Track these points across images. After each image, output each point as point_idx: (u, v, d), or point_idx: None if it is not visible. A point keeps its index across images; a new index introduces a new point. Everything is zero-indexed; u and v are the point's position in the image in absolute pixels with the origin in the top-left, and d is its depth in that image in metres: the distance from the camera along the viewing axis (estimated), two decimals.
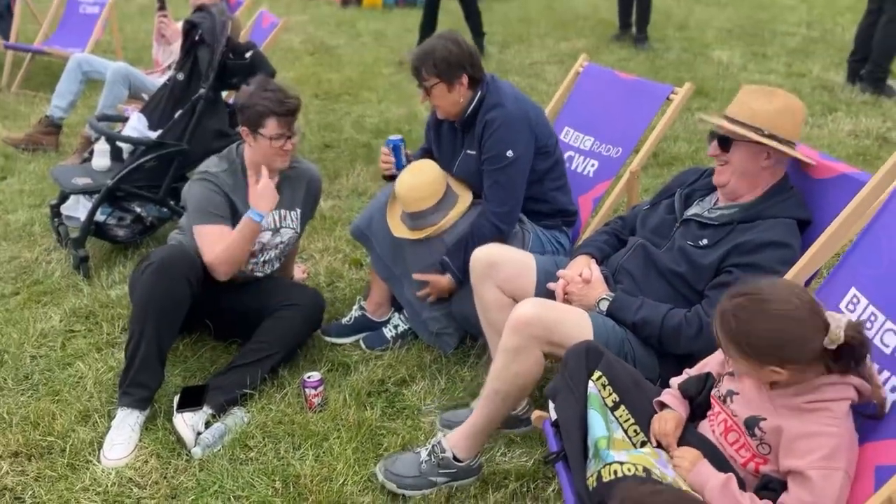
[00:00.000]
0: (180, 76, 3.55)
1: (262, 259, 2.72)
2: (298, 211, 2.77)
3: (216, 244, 2.52)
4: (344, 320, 2.96)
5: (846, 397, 1.46)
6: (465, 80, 2.63)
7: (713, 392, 1.67)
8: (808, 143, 4.02)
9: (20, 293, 3.12)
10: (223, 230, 2.56)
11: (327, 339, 2.90)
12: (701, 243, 2.13)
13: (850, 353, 1.45)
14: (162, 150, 3.32)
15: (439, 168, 2.71)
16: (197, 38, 3.47)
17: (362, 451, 2.30)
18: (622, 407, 1.69)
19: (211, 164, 2.64)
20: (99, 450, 2.29)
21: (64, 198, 3.44)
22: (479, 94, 2.67)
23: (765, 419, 1.48)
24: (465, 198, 2.71)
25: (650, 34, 7.68)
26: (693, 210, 2.25)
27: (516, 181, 2.64)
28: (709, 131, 2.19)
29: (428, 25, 7.34)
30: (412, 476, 2.15)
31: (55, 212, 3.46)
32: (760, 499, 1.45)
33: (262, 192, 2.54)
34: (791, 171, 2.22)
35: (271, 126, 2.54)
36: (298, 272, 3.22)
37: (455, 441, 2.15)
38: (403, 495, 2.14)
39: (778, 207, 2.10)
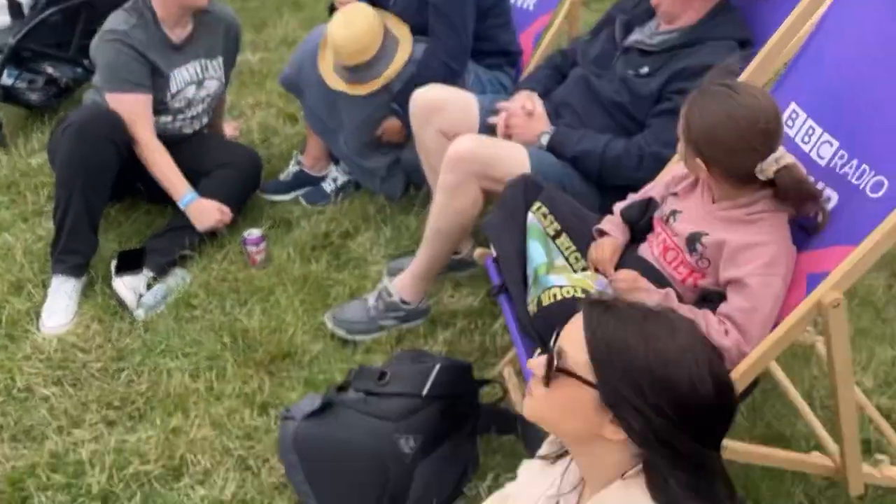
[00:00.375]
0: None
1: (189, 115, 2.58)
2: (220, 58, 2.59)
3: (142, 123, 2.38)
4: (282, 177, 2.86)
5: (782, 209, 1.47)
6: None
7: (656, 214, 1.67)
8: None
9: None
10: (141, 100, 2.39)
11: (266, 196, 2.81)
12: (642, 71, 2.06)
13: (784, 198, 1.45)
14: (64, 3, 3.04)
15: (372, 9, 2.52)
16: None
17: (310, 303, 2.30)
18: (563, 235, 1.69)
19: (119, 21, 2.41)
20: (37, 319, 2.23)
21: None
22: None
23: (707, 234, 1.49)
24: (405, 40, 2.54)
25: None
26: (634, 37, 2.17)
27: (465, 13, 2.44)
28: None
29: None
30: (362, 322, 2.16)
31: None
32: (700, 309, 1.48)
33: (204, 212, 2.43)
34: None
35: None
36: (230, 129, 3.06)
37: (402, 285, 2.15)
38: (354, 341, 2.16)
39: (718, 30, 2.03)
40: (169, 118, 2.52)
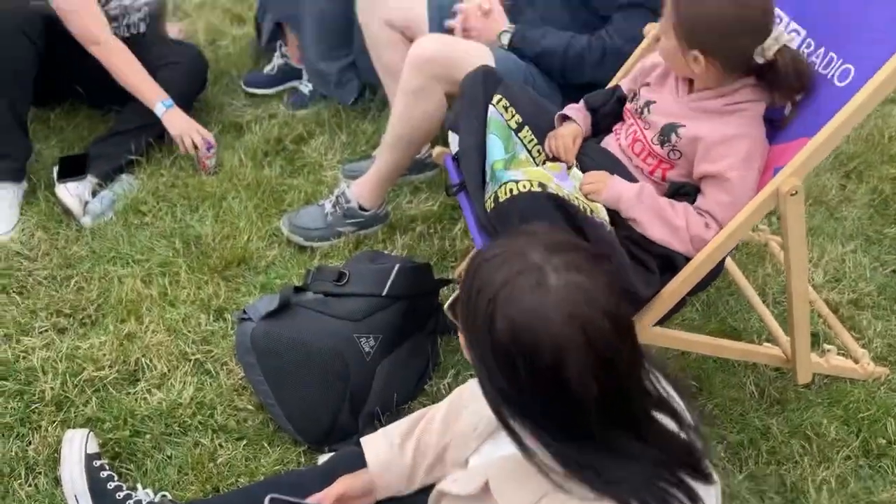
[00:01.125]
0: None
1: (125, 23, 2.42)
2: None
3: (86, 18, 2.22)
4: (266, 69, 2.75)
5: (761, 99, 1.45)
6: None
7: (627, 106, 1.64)
8: None
9: None
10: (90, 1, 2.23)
11: (250, 90, 2.71)
12: None
13: (781, 83, 1.41)
14: None
15: None
16: None
17: (264, 208, 2.24)
18: (526, 128, 1.65)
19: None
20: None
21: None
22: None
23: (683, 126, 1.47)
24: None
25: None
26: None
27: None
28: None
29: None
30: (319, 228, 2.11)
31: None
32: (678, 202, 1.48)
33: (184, 124, 2.31)
34: None
35: None
36: (174, 32, 2.89)
37: (360, 191, 2.10)
38: (311, 247, 2.12)
39: None
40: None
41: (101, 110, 2.58)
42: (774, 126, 1.50)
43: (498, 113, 1.60)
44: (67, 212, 2.18)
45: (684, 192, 1.50)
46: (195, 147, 2.31)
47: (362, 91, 2.66)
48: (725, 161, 1.42)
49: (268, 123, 2.59)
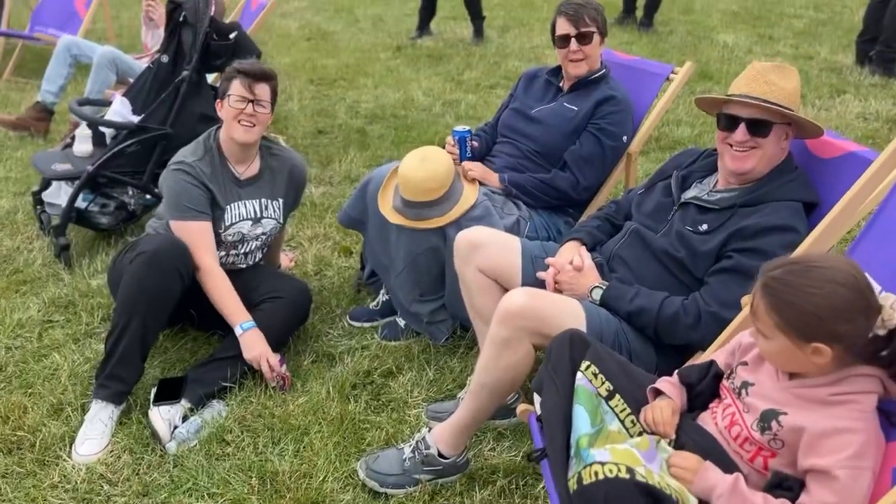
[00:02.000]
0: (164, 59, 3.44)
1: (242, 251, 2.62)
2: (281, 201, 2.66)
3: (203, 249, 2.43)
4: (371, 305, 2.87)
5: (874, 390, 1.35)
6: (605, 40, 2.81)
7: (724, 383, 1.56)
8: None
9: None
10: (203, 228, 2.46)
11: (355, 324, 2.81)
12: (701, 228, 2.01)
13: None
14: (144, 135, 3.21)
15: (449, 156, 2.58)
16: (181, 18, 3.35)
17: (344, 446, 2.20)
18: (617, 396, 1.58)
19: (187, 153, 2.52)
20: (71, 445, 2.19)
21: (46, 185, 3.34)
22: (603, 66, 2.83)
23: (785, 413, 1.37)
24: (472, 188, 2.57)
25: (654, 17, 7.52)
26: (691, 193, 2.14)
27: (607, 165, 2.76)
28: (724, 115, 2.03)
29: (427, 9, 7.21)
30: (395, 474, 2.05)
31: (37, 199, 3.36)
32: (776, 498, 1.34)
33: (257, 344, 2.41)
34: (795, 150, 2.11)
35: (235, 87, 2.43)
36: (286, 261, 3.11)
37: (440, 436, 2.05)
38: (385, 493, 2.04)
39: (782, 190, 1.99)
40: (222, 252, 2.56)
41: (207, 333, 2.71)
42: (891, 422, 1.37)
43: (586, 380, 1.55)
44: (155, 435, 2.22)
45: (787, 486, 1.36)
46: (270, 368, 2.37)
47: (454, 330, 2.70)
48: (833, 457, 1.29)
49: (360, 355, 2.63)
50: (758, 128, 1.95)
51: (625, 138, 2.77)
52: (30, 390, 2.42)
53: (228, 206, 2.51)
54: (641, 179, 3.06)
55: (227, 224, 2.52)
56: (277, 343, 2.50)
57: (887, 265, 1.56)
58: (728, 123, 2.00)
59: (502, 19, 8.20)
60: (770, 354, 1.40)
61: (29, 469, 2.11)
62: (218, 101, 2.49)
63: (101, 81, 4.23)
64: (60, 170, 3.17)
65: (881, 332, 1.33)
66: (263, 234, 2.64)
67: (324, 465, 2.12)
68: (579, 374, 1.56)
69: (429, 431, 2.07)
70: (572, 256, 2.16)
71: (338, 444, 2.21)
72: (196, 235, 2.45)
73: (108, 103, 3.60)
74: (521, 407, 1.78)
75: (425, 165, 2.46)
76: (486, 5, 7.24)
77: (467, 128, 2.83)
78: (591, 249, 2.25)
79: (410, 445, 2.07)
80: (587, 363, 1.58)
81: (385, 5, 9.20)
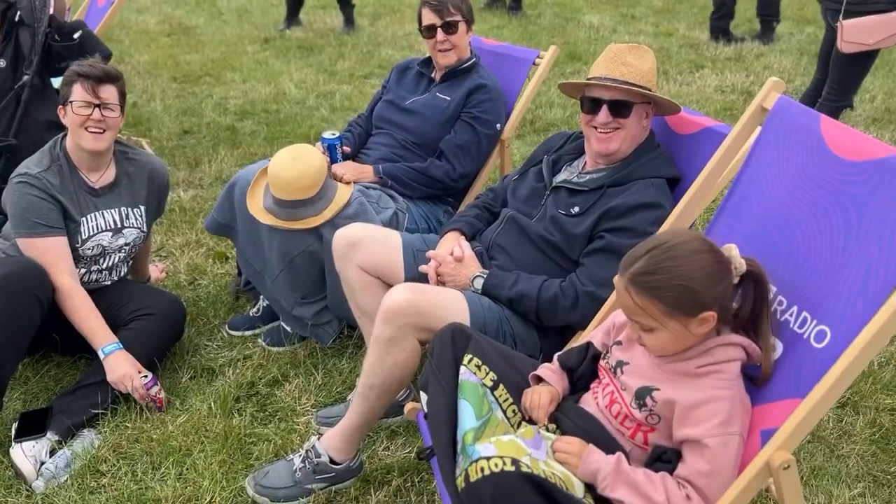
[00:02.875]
0: (1, 63, 3.15)
1: (105, 265, 2.44)
2: (143, 208, 2.49)
3: (59, 267, 2.25)
4: (251, 311, 2.74)
5: (737, 358, 1.39)
6: (472, 28, 2.81)
7: (601, 363, 1.58)
8: (679, 100, 4.07)
9: None
10: (57, 244, 2.27)
11: (235, 333, 2.67)
12: (573, 211, 2.04)
13: (753, 294, 1.41)
14: None
15: (321, 153, 2.49)
16: (16, 18, 3.08)
17: (231, 464, 2.10)
18: (501, 386, 1.58)
19: (31, 164, 2.32)
20: None
21: None
22: (472, 55, 2.82)
23: (657, 389, 1.40)
24: (344, 190, 2.49)
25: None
26: (562, 176, 2.17)
27: (482, 152, 2.76)
28: (587, 98, 2.05)
29: None
30: (286, 486, 1.97)
31: None
32: (655, 472, 1.37)
33: (121, 366, 2.24)
34: (656, 128, 2.18)
35: (77, 91, 2.25)
36: (156, 272, 2.93)
37: (330, 442, 1.98)
38: None
39: (647, 167, 2.04)
40: (82, 269, 2.38)
41: (72, 358, 2.52)
42: (754, 382, 1.43)
43: (470, 373, 1.54)
44: (19, 475, 2.04)
45: (666, 458, 1.40)
46: (135, 389, 2.23)
47: (341, 330, 2.63)
48: (703, 426, 1.33)
49: (242, 365, 2.52)
50: (619, 109, 2.00)
51: (498, 126, 2.78)
52: None
53: (84, 219, 2.33)
54: (518, 163, 3.10)
55: (84, 237, 2.34)
56: (151, 363, 2.35)
57: (745, 237, 1.62)
58: (591, 107, 2.03)
59: (373, 6, 8.09)
60: (658, 345, 1.40)
61: None
62: (60, 107, 2.29)
63: None
64: None
65: (735, 282, 1.39)
66: (126, 244, 2.47)
67: (209, 487, 2.01)
68: (462, 368, 1.55)
69: (318, 439, 2.01)
70: (452, 247, 2.15)
71: (223, 462, 2.10)
72: (49, 253, 2.26)
73: None
74: (408, 405, 1.76)
75: (298, 164, 2.36)
76: None
77: (336, 134, 2.77)
78: (470, 239, 2.24)
79: (300, 455, 2.00)
80: (469, 356, 1.56)
81: None
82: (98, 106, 2.26)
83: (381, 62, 6.02)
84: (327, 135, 2.75)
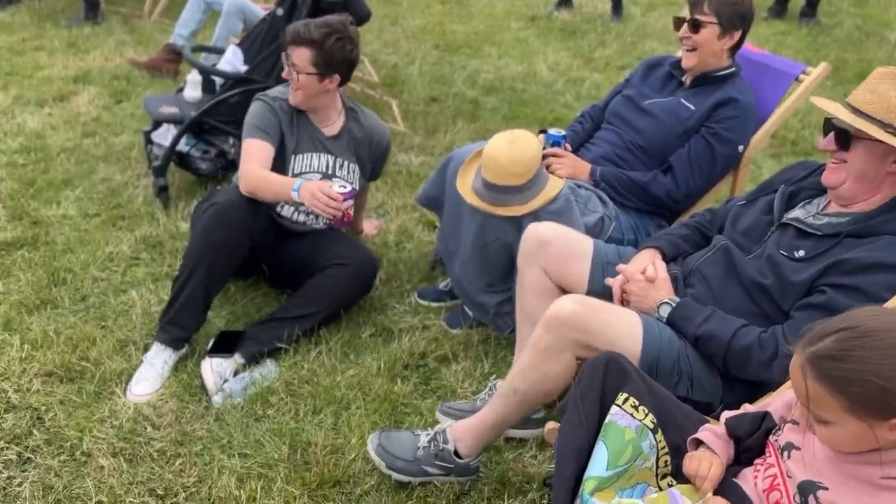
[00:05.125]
0: (279, 11, 3.44)
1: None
2: (355, 166, 2.60)
3: (253, 160, 2.41)
4: (441, 285, 2.79)
5: None
6: (736, 36, 2.48)
7: (772, 438, 1.36)
8: None
9: (101, 215, 3.17)
10: (263, 146, 2.45)
11: (422, 302, 2.74)
12: (797, 255, 1.77)
13: None
14: (248, 86, 3.24)
15: (538, 141, 2.42)
16: None
17: (381, 428, 2.14)
18: (661, 432, 1.42)
19: (276, 90, 2.56)
20: (127, 382, 2.26)
21: (157, 125, 3.46)
22: (733, 64, 2.54)
23: (825, 489, 1.17)
24: (555, 183, 2.39)
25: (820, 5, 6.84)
26: (794, 213, 1.88)
27: (714, 176, 2.52)
28: (825, 119, 1.79)
29: None
30: (405, 459, 1.94)
31: (148, 138, 3.49)
32: None
33: (314, 192, 2.29)
34: None
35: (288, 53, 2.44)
36: (370, 227, 3.05)
37: (460, 434, 1.93)
38: (411, 484, 1.96)
39: None
40: (292, 209, 2.54)
41: (278, 291, 2.72)
42: None
43: (623, 414, 1.38)
44: (203, 386, 2.25)
45: None
46: (330, 197, 2.28)
47: None
48: None
49: (419, 335, 2.56)
50: (842, 139, 1.70)
51: (741, 148, 2.50)
52: (102, 323, 2.52)
53: (301, 155, 2.51)
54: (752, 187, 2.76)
55: (295, 171, 2.51)
56: (337, 308, 2.47)
57: None
58: (825, 130, 1.75)
59: None
60: (835, 441, 1.17)
61: (84, 400, 2.20)
62: None
63: (229, 29, 4.32)
64: (166, 112, 3.27)
65: None
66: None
67: (356, 444, 2.07)
68: (614, 408, 1.40)
69: (449, 427, 1.96)
70: (646, 266, 1.97)
71: (375, 423, 2.15)
72: (251, 148, 2.44)
73: (220, 51, 3.67)
74: (548, 426, 1.65)
75: (513, 148, 2.30)
76: None
77: (562, 132, 2.66)
78: (670, 260, 2.04)
79: (429, 435, 1.96)
80: (625, 395, 1.41)
81: None
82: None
83: (642, 55, 5.74)
84: (553, 131, 2.67)
